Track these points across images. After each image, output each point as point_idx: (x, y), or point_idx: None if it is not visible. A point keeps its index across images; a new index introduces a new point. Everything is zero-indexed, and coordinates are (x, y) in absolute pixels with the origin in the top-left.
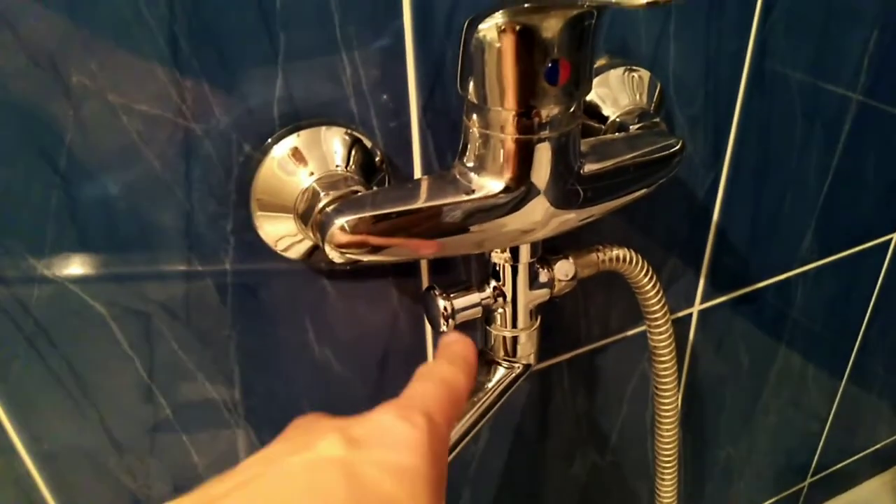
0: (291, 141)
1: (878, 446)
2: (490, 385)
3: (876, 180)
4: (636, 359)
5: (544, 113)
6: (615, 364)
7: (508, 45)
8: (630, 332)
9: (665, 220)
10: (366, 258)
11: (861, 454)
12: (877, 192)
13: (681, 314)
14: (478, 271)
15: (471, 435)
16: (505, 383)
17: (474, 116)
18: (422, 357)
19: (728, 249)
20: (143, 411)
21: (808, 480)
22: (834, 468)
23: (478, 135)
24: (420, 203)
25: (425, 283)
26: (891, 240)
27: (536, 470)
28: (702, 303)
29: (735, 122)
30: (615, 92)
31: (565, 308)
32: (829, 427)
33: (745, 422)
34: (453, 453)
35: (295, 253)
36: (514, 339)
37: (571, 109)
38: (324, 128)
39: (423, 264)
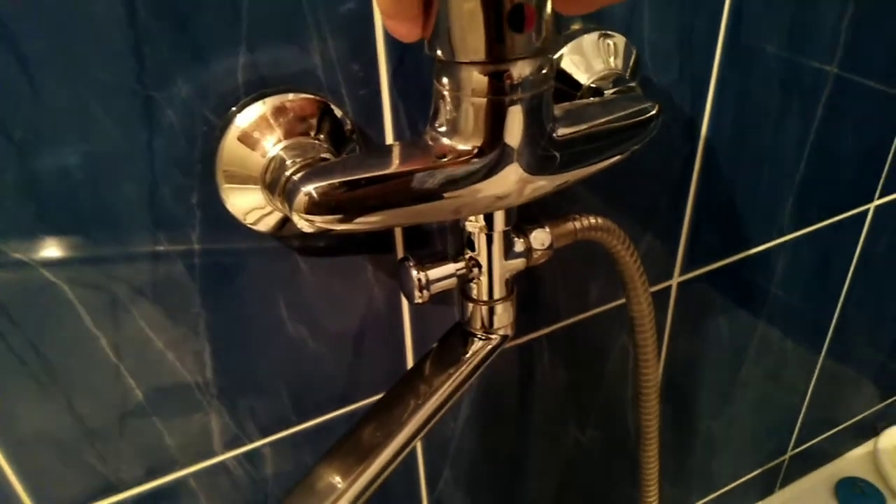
0: (257, 109)
1: (858, 418)
2: (467, 356)
3: (852, 151)
4: (616, 333)
5: (515, 73)
6: (595, 338)
7: None
8: (609, 306)
9: (642, 191)
10: (336, 227)
11: (841, 426)
12: (853, 163)
13: (660, 287)
14: (453, 243)
15: (447, 407)
16: (481, 355)
17: (444, 79)
18: (399, 334)
19: (706, 221)
20: (112, 392)
21: (790, 453)
22: (815, 441)
23: (448, 98)
24: (391, 169)
25: (400, 257)
26: (867, 210)
27: (517, 446)
28: (681, 275)
29: (711, 91)
30: (589, 57)
31: (544, 282)
32: (809, 399)
33: (725, 395)
34: (430, 424)
35: (264, 226)
36: (491, 310)
37: (543, 70)
38: (291, 95)
39: (398, 238)
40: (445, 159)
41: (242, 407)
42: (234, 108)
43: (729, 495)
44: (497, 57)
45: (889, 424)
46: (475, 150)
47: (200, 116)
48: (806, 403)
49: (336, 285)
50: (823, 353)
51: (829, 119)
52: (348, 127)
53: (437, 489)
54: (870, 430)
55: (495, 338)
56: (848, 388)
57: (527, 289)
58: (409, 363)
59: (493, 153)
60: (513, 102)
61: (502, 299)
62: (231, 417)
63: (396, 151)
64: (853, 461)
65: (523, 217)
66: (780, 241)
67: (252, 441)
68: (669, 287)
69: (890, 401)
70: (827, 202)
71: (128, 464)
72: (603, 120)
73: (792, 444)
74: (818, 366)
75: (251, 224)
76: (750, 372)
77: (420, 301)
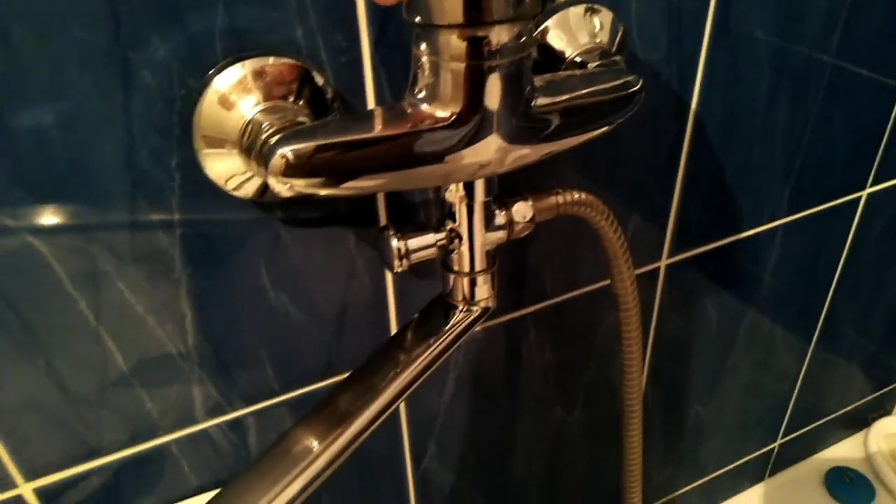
0: (236, 72)
1: (849, 408)
2: (447, 328)
3: (845, 138)
4: (603, 314)
5: (493, 38)
6: (582, 318)
7: None
8: (596, 286)
9: (630, 170)
10: (311, 191)
11: (832, 416)
12: (846, 150)
13: (648, 268)
14: (435, 214)
15: (425, 377)
16: (462, 327)
17: (423, 45)
18: (383, 306)
19: (696, 202)
20: (92, 356)
21: (780, 441)
22: (805, 429)
23: (427, 64)
24: (369, 134)
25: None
26: (860, 198)
27: (503, 424)
28: (669, 257)
29: (700, 71)
30: (574, 31)
31: (531, 259)
32: (799, 388)
33: (714, 380)
34: (407, 393)
35: (245, 192)
36: (472, 282)
37: (522, 37)
38: (271, 59)
39: (381, 209)
40: (424, 125)
41: (225, 375)
42: (212, 71)
43: (717, 481)
44: (474, 20)
45: (881, 415)
46: (453, 117)
47: (178, 78)
48: (796, 392)
49: (318, 256)
50: (814, 341)
51: (822, 104)
52: (329, 95)
53: (422, 466)
54: (861, 420)
55: (476, 310)
56: (839, 377)
57: (513, 266)
58: None
59: (472, 120)
60: (491, 69)
61: (483, 271)
62: (213, 385)
63: (375, 117)
64: (844, 451)
65: (506, 190)
66: (770, 225)
67: (235, 409)
68: (657, 269)
69: (882, 392)
70: (819, 188)
71: (109, 428)
72: (584, 92)
73: (782, 432)
74: (809, 354)
75: (232, 190)
76: (739, 358)
77: (399, 270)
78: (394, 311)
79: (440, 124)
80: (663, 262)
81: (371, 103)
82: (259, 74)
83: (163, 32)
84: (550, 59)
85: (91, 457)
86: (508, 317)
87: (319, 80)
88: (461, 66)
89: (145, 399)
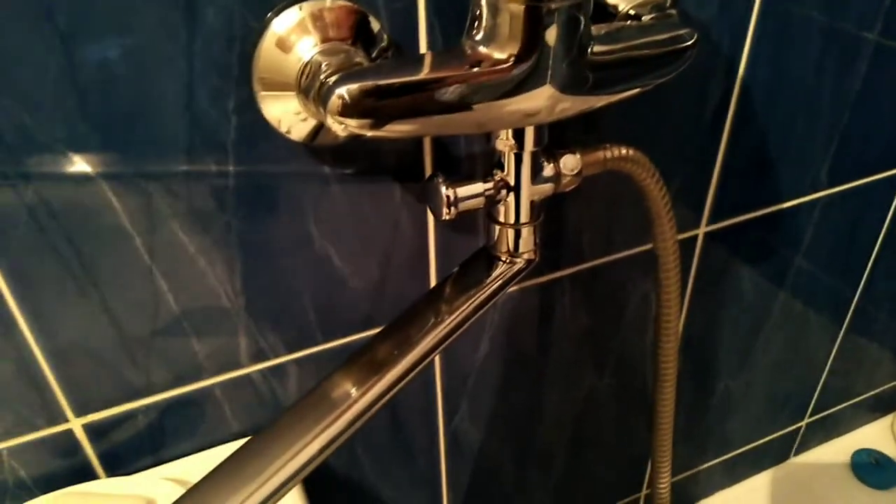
0: (294, 14)
1: (878, 390)
2: (489, 279)
3: (888, 114)
4: (639, 280)
5: None
6: (617, 283)
7: None
8: (634, 251)
9: (675, 132)
10: (367, 132)
11: (860, 398)
12: (889, 125)
13: (686, 235)
14: (483, 165)
15: (464, 328)
16: (505, 278)
17: None
18: (424, 261)
19: (737, 170)
20: (144, 292)
21: (806, 420)
22: (832, 410)
23: (486, 5)
24: (425, 75)
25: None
26: None
27: (534, 386)
28: (708, 224)
29: (750, 33)
30: None
31: (570, 221)
32: (828, 368)
33: (745, 355)
34: (445, 343)
35: (298, 134)
36: (517, 233)
37: None
38: (328, 1)
39: (428, 163)
40: (480, 67)
41: (269, 321)
42: (271, 13)
43: (742, 458)
44: None
45: None
46: (511, 59)
47: (239, 19)
48: (826, 371)
49: (365, 208)
50: (847, 321)
51: (870, 75)
52: (384, 43)
53: (454, 424)
54: (890, 403)
55: (520, 262)
56: (869, 359)
57: (552, 227)
58: None
59: (529, 61)
60: (550, 11)
61: (528, 223)
62: (258, 330)
63: (433, 58)
64: (870, 433)
65: (554, 143)
66: (810, 197)
67: (277, 356)
68: (696, 236)
69: None
70: (860, 163)
71: (158, 368)
72: (638, 42)
73: (809, 411)
74: (840, 334)
75: (286, 132)
76: (771, 333)
77: (447, 217)
78: (434, 266)
79: (497, 66)
80: (702, 230)
81: (423, 50)
82: (317, 17)
83: None
84: (602, 13)
85: (139, 395)
86: (545, 278)
87: (375, 25)
88: (521, 7)
89: (193, 341)
